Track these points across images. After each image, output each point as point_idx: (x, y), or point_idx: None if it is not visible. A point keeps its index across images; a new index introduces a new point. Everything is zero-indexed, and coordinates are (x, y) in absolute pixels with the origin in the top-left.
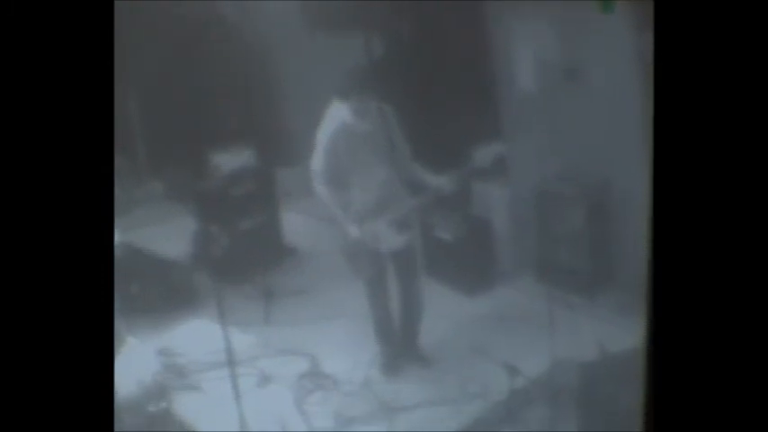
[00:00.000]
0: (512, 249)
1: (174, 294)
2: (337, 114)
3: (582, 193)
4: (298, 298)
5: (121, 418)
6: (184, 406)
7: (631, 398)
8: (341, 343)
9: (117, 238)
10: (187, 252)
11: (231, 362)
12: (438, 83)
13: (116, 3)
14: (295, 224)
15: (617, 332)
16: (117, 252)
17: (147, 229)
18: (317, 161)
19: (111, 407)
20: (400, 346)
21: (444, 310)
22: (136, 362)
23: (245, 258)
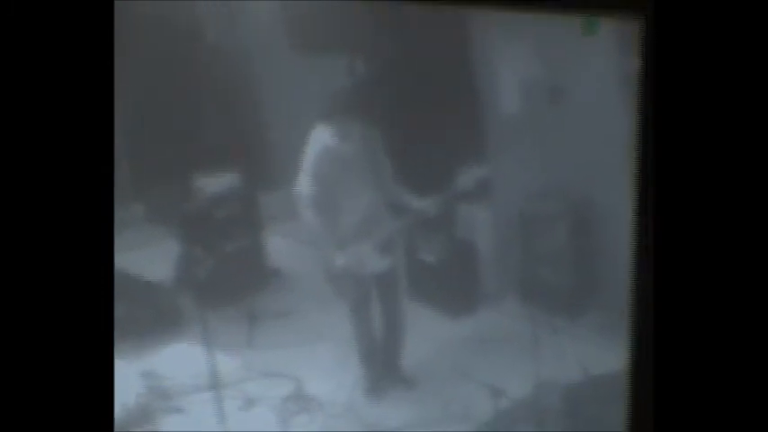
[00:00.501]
0: (495, 271)
1: (157, 317)
2: (321, 137)
3: (565, 212)
4: (282, 321)
5: None
6: (169, 428)
7: (615, 419)
8: (325, 366)
9: None
10: (171, 275)
11: (215, 384)
12: (422, 105)
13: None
14: (279, 247)
15: (601, 353)
16: None
17: (131, 252)
18: (302, 184)
19: (111, 408)
20: (384, 368)
21: (428, 333)
22: (120, 384)
23: (230, 281)
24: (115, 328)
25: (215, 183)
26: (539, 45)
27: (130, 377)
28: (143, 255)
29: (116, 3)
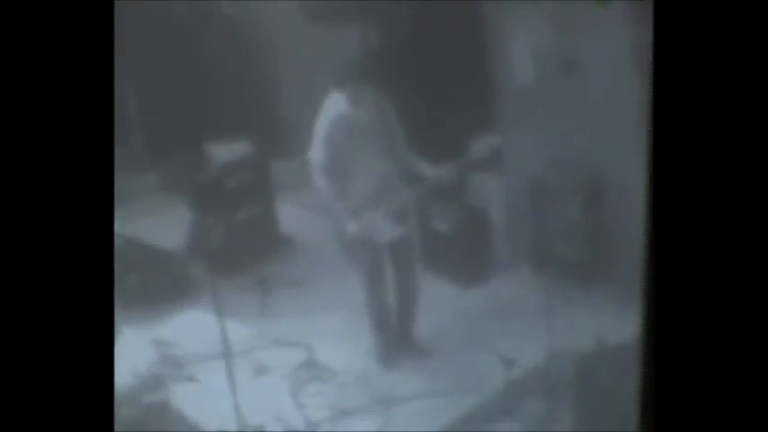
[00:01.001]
0: (508, 241)
1: (169, 286)
2: (334, 105)
3: (578, 184)
4: (294, 289)
5: (117, 409)
6: (180, 397)
7: (628, 389)
8: (337, 334)
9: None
10: (183, 243)
11: (227, 353)
12: (435, 74)
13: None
14: (291, 215)
15: (614, 323)
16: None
17: (143, 220)
18: (315, 152)
19: (111, 402)
20: (396, 337)
21: (440, 302)
22: (132, 353)
23: (242, 249)
24: (127, 297)
25: (227, 151)
26: (552, 16)
27: (142, 345)
28: (155, 223)
29: (116, 2)
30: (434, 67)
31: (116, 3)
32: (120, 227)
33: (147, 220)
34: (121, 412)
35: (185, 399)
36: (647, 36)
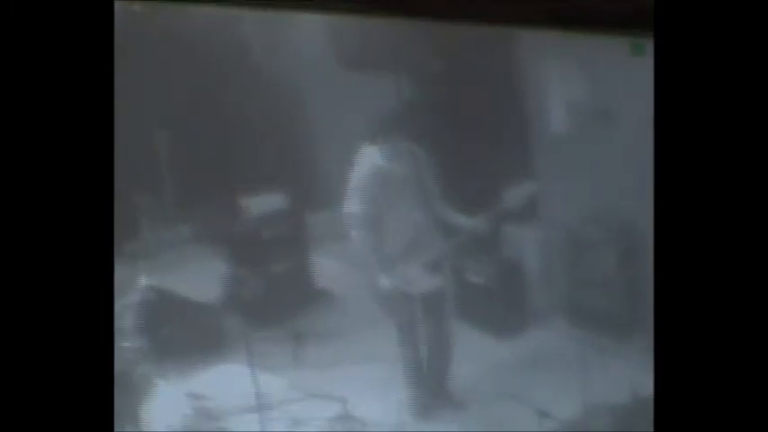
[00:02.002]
0: (543, 292)
1: (203, 338)
2: (369, 157)
3: (613, 236)
4: (328, 341)
5: None
6: None
7: None
8: (372, 387)
9: (146, 281)
10: (217, 295)
11: (261, 406)
12: (469, 124)
13: (139, 45)
14: (326, 268)
15: (649, 376)
16: (146, 295)
17: (177, 272)
18: (350, 204)
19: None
20: (431, 389)
21: (475, 354)
22: (166, 405)
23: (276, 302)
24: (160, 349)
25: (262, 203)
26: (587, 65)
27: (176, 398)
28: (189, 275)
29: (116, 2)
30: (468, 116)
31: (145, 51)
32: (153, 278)
33: (181, 273)
34: None
35: None
36: None
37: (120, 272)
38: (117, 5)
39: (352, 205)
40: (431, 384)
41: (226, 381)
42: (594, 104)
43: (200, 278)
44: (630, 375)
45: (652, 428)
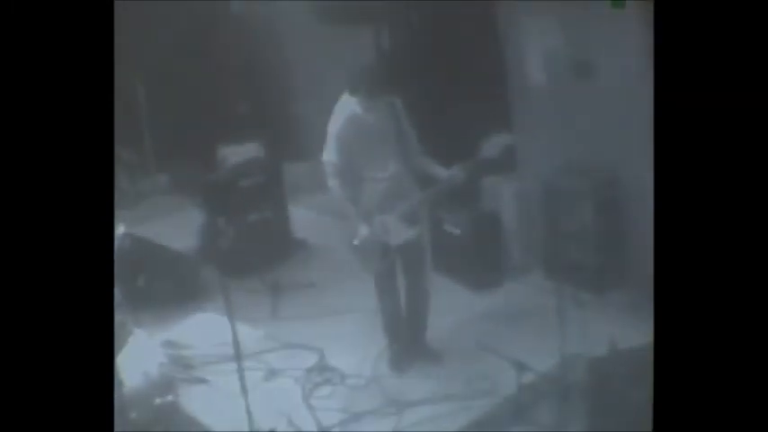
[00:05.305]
0: (520, 245)
1: (180, 287)
2: (347, 107)
3: (591, 188)
4: (305, 292)
5: (128, 411)
6: (191, 399)
7: (641, 394)
8: (348, 337)
9: (123, 230)
10: (194, 245)
11: (238, 355)
12: (447, 76)
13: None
14: (303, 218)
15: (627, 328)
16: (124, 244)
17: (154, 221)
18: (328, 154)
19: (111, 404)
20: (408, 341)
21: (452, 306)
22: (142, 354)
23: (253, 252)
24: (137, 298)
25: (240, 152)
26: (566, 16)
27: (152, 347)
28: (166, 225)
29: (125, 3)
30: (447, 69)
31: (125, 3)
32: (130, 228)
33: (158, 222)
34: (131, 414)
35: (195, 401)
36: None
37: None
38: None
39: (330, 154)
40: (408, 336)
41: (202, 330)
42: (574, 56)
43: (178, 228)
44: (608, 327)
45: (628, 379)
